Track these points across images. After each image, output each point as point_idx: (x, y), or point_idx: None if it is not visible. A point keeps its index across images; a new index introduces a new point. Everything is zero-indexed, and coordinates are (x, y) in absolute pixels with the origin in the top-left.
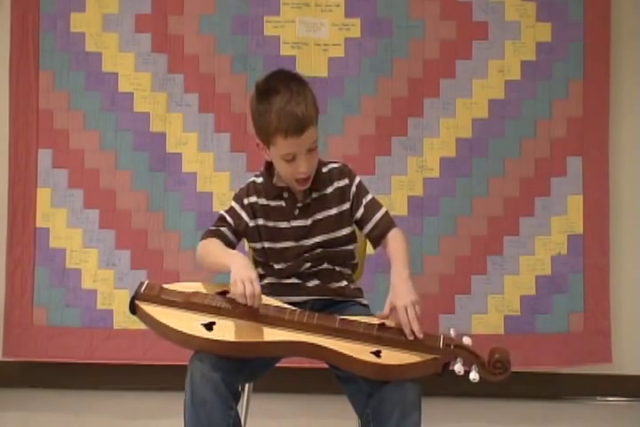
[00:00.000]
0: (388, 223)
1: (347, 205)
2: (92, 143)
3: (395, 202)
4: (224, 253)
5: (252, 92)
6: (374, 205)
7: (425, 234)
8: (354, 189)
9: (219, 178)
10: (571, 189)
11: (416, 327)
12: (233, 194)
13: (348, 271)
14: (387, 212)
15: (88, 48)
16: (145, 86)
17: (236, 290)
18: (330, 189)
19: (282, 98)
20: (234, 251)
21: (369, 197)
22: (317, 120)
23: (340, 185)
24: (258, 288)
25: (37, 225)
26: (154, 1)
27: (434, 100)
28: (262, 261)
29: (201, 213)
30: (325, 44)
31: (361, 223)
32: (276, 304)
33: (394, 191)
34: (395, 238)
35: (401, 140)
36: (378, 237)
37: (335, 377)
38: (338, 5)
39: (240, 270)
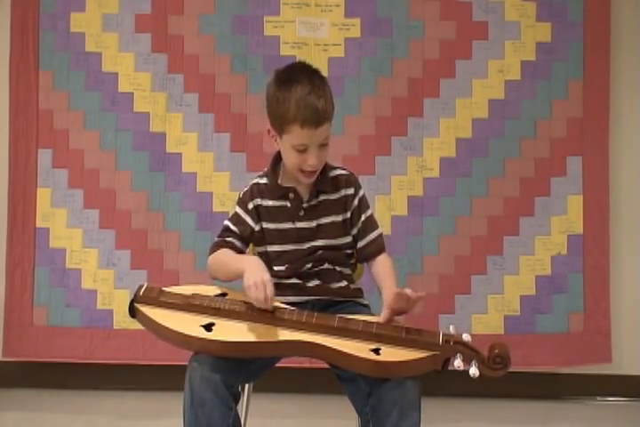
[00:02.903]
0: (380, 245)
1: (349, 215)
2: (91, 143)
3: (395, 202)
4: (236, 260)
5: (251, 92)
6: (371, 223)
7: (425, 234)
8: (356, 202)
9: (219, 178)
10: (571, 189)
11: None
12: (234, 195)
13: (348, 271)
14: (381, 234)
15: (88, 48)
16: (145, 86)
17: (251, 295)
18: (337, 196)
19: (303, 88)
20: (245, 255)
21: (368, 212)
22: (332, 118)
23: (346, 193)
24: (270, 291)
25: (37, 225)
26: (154, 1)
27: (434, 100)
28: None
29: (201, 213)
30: (325, 44)
31: (355, 238)
32: (274, 304)
33: (394, 191)
34: (385, 262)
35: (401, 141)
36: (368, 256)
37: (336, 377)
38: (338, 5)
39: (252, 274)
